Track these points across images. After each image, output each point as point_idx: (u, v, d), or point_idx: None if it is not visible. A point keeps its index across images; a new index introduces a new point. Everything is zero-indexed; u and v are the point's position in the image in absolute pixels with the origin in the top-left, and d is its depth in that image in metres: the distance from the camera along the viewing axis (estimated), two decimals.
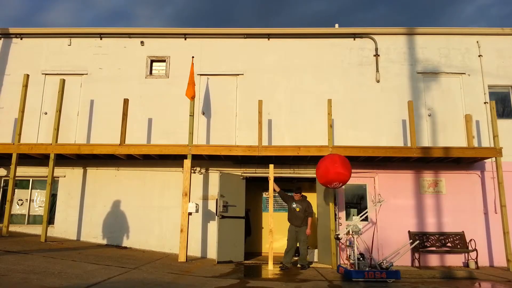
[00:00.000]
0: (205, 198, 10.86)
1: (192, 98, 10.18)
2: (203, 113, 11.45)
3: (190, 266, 8.55)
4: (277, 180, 12.64)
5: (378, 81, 11.49)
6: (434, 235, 10.32)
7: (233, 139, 11.21)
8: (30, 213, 11.16)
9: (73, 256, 7.92)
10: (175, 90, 11.31)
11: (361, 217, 8.44)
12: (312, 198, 12.30)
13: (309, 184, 12.74)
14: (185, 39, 11.94)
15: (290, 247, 9.21)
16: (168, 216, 10.72)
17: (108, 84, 11.68)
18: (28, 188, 11.27)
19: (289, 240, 9.26)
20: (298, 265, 9.32)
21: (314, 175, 10.90)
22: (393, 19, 53.55)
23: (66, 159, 10.96)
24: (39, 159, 10.87)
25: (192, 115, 10.10)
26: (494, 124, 10.03)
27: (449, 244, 10.18)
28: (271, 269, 8.78)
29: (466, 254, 10.21)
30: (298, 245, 9.44)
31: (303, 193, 9.70)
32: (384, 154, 9.93)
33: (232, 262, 9.60)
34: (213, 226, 10.44)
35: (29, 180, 11.29)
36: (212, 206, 10.63)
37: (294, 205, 9.37)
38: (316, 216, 11.01)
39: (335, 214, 9.60)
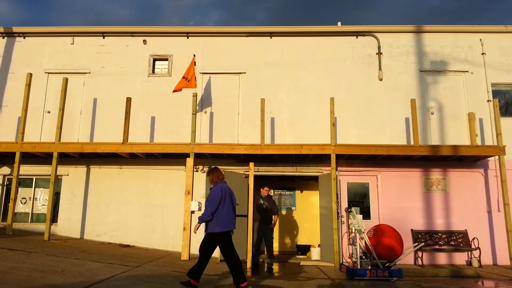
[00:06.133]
0: None
1: (176, 91, 10.54)
2: (205, 112, 11.46)
3: (193, 264, 8.56)
4: (279, 178, 12.70)
5: (381, 79, 11.46)
6: (437, 234, 10.30)
7: (236, 137, 11.21)
8: (34, 212, 11.20)
9: (76, 254, 7.95)
10: (181, 89, 11.28)
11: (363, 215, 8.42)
12: (314, 196, 12.31)
13: (311, 182, 12.73)
14: (188, 38, 11.94)
15: (256, 245, 9.20)
16: (171, 215, 10.74)
17: (111, 83, 11.70)
18: (32, 187, 11.31)
19: (256, 239, 9.25)
20: (265, 263, 9.37)
21: (317, 174, 10.91)
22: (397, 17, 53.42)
23: (69, 158, 11.00)
24: (43, 158, 10.91)
25: (194, 114, 10.11)
26: (497, 122, 9.99)
27: (452, 243, 10.15)
28: (275, 267, 8.80)
29: (469, 253, 10.18)
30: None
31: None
32: (387, 153, 9.91)
33: None
34: None
35: (33, 178, 11.33)
36: None
37: (261, 202, 9.38)
38: (319, 214, 10.99)
39: (338, 213, 9.58)
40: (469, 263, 10.08)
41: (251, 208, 8.61)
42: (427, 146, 10.07)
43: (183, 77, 10.68)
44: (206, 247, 5.60)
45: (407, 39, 11.74)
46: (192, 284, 5.53)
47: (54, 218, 10.73)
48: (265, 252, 9.67)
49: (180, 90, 10.73)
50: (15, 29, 12.10)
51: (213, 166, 6.26)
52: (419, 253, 10.01)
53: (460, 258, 10.24)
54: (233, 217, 5.76)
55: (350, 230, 8.02)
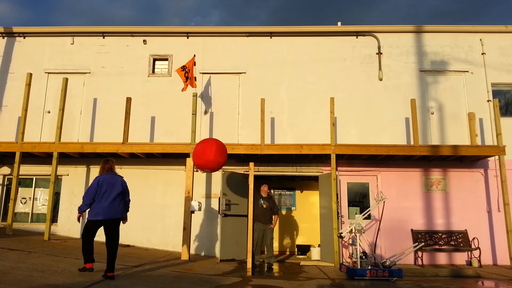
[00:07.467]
0: (208, 196, 10.88)
1: (184, 89, 10.63)
2: (206, 112, 11.46)
3: (193, 264, 8.57)
4: (279, 178, 12.69)
5: (381, 79, 11.46)
6: (437, 234, 10.30)
7: (236, 137, 11.21)
8: (34, 212, 11.20)
9: (76, 254, 7.94)
10: (177, 88, 11.29)
11: (363, 215, 8.41)
12: (314, 196, 12.30)
13: (311, 182, 12.72)
14: (188, 38, 11.94)
15: (256, 245, 9.21)
16: (171, 215, 10.74)
17: (111, 83, 11.70)
18: (32, 187, 11.31)
19: (256, 239, 9.23)
20: (265, 263, 9.35)
21: (317, 174, 10.91)
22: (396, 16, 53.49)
23: (69, 158, 10.99)
24: (43, 158, 10.91)
25: (194, 114, 10.11)
26: (497, 122, 9.99)
27: (452, 243, 10.15)
28: (275, 267, 8.80)
29: (469, 253, 10.18)
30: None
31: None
32: (387, 153, 9.91)
33: (235, 260, 9.61)
34: (216, 225, 10.46)
35: (33, 178, 11.33)
36: (215, 205, 10.64)
37: (261, 202, 9.40)
38: (319, 214, 10.99)
39: (338, 213, 9.58)
40: (469, 263, 10.08)
41: (251, 208, 8.61)
42: (427, 146, 10.07)
43: (182, 70, 10.71)
44: (84, 233, 6.01)
45: (407, 39, 11.73)
46: (86, 268, 5.99)
47: (54, 218, 10.73)
48: (265, 252, 9.67)
49: (186, 86, 10.76)
50: (15, 29, 12.09)
51: (104, 159, 6.41)
52: (419, 253, 10.01)
53: (460, 258, 10.24)
54: (108, 207, 5.94)
55: (350, 230, 8.01)
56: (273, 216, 9.49)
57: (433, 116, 11.23)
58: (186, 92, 10.98)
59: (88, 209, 6.02)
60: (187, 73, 10.67)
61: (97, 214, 5.90)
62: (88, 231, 5.97)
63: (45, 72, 11.84)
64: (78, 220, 6.06)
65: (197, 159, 7.81)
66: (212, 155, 7.72)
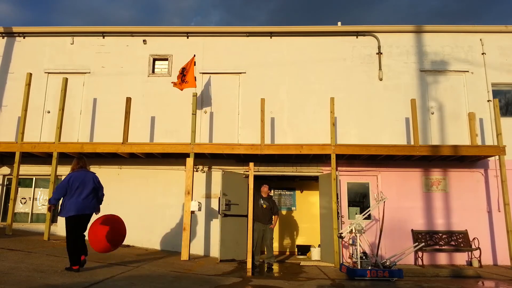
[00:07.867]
0: (208, 196, 10.86)
1: (174, 84, 10.70)
2: (205, 112, 11.45)
3: (193, 264, 8.56)
4: (279, 178, 12.69)
5: (381, 79, 11.45)
6: (437, 234, 10.29)
7: (236, 137, 11.20)
8: (33, 212, 11.19)
9: None
10: (177, 88, 11.29)
11: (363, 215, 8.40)
12: (314, 196, 12.30)
13: (311, 182, 12.72)
14: (188, 38, 11.93)
15: (256, 245, 9.21)
16: (171, 215, 10.72)
17: (111, 83, 11.68)
18: (31, 187, 11.30)
19: (256, 239, 9.23)
20: (265, 263, 9.35)
21: (317, 174, 10.91)
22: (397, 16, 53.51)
23: (69, 158, 10.95)
24: (42, 158, 10.90)
25: (194, 114, 10.10)
26: (497, 122, 9.98)
27: (452, 243, 10.15)
28: (275, 268, 8.79)
29: (470, 253, 10.17)
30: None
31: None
32: (387, 153, 9.90)
33: (235, 261, 9.60)
34: (216, 225, 10.45)
35: (32, 178, 11.32)
36: (214, 205, 10.63)
37: (261, 202, 9.42)
38: (319, 214, 10.98)
39: (338, 213, 9.57)
40: (470, 263, 10.07)
41: (251, 208, 8.60)
42: (427, 146, 10.06)
43: (181, 73, 10.71)
44: (66, 230, 6.25)
45: (407, 39, 11.72)
46: (73, 269, 6.06)
47: (54, 218, 10.71)
48: (265, 252, 9.67)
49: (181, 89, 10.76)
50: (15, 29, 12.08)
51: (78, 156, 6.60)
52: (420, 253, 10.00)
53: (460, 258, 10.23)
54: (80, 203, 6.19)
55: (350, 230, 8.01)
56: (273, 216, 9.50)
57: (433, 116, 11.22)
58: (186, 92, 10.96)
59: (60, 205, 6.29)
60: (183, 76, 10.68)
61: (69, 210, 6.14)
62: (69, 229, 6.20)
63: (45, 72, 11.83)
64: (49, 210, 6.36)
65: (102, 248, 6.60)
66: (111, 234, 6.60)
